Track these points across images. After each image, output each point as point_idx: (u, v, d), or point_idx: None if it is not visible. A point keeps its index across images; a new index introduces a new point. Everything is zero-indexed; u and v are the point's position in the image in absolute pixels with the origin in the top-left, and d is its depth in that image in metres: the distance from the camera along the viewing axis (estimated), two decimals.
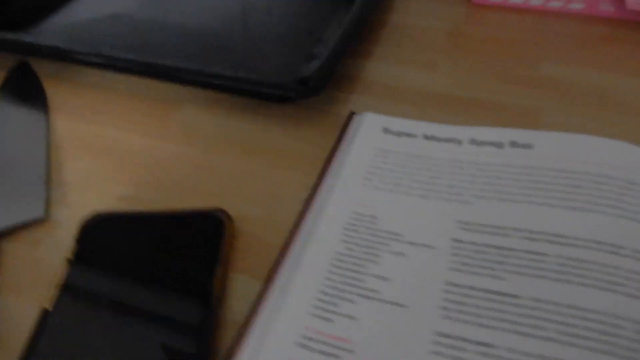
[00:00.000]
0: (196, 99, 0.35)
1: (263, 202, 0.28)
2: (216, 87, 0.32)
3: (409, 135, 0.30)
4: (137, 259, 0.24)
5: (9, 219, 0.28)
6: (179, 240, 0.25)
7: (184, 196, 0.29)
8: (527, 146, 0.27)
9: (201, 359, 0.21)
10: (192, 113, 0.34)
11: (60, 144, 0.33)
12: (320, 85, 0.31)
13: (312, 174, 0.29)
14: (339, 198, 0.26)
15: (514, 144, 0.28)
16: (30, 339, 0.22)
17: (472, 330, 0.20)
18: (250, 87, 0.31)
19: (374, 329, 0.21)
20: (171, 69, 0.32)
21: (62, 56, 0.35)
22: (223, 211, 0.26)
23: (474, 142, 0.28)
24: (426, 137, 0.29)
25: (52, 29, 0.42)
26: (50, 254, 0.27)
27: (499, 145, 0.28)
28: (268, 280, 0.23)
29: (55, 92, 0.37)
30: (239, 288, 0.24)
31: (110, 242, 0.25)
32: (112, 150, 0.32)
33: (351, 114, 0.33)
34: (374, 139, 0.30)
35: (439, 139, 0.29)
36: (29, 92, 0.36)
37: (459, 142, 0.29)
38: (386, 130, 0.30)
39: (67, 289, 0.23)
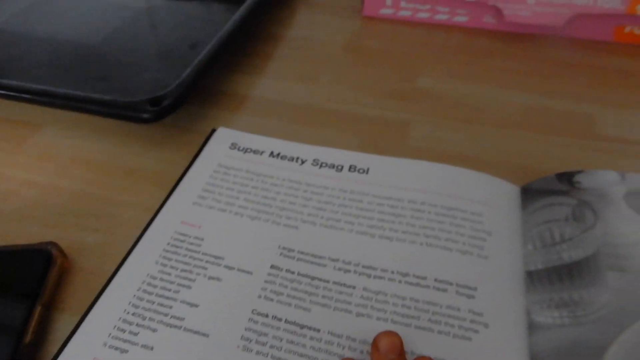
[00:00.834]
0: (58, 120, 0.34)
1: (108, 231, 0.27)
2: (69, 108, 0.30)
3: (255, 151, 0.29)
4: None
5: None
6: (1, 279, 0.23)
7: (24, 227, 0.27)
8: (364, 171, 0.27)
9: None
10: (51, 135, 0.33)
11: None
12: (176, 105, 0.30)
13: (164, 196, 0.28)
14: (166, 218, 0.25)
15: (352, 168, 0.28)
16: None
17: None
18: (103, 109, 0.30)
19: None
20: (18, 89, 0.30)
21: None
22: (55, 245, 0.25)
23: (316, 162, 0.28)
24: (272, 155, 0.29)
25: None
26: None
27: (338, 168, 0.28)
28: (84, 315, 0.22)
29: None
30: (62, 329, 0.23)
31: None
32: None
33: (212, 131, 0.32)
34: (218, 155, 0.29)
35: (283, 157, 0.28)
36: None
37: (302, 161, 0.28)
38: (233, 146, 0.30)
39: None
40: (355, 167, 0.28)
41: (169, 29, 0.42)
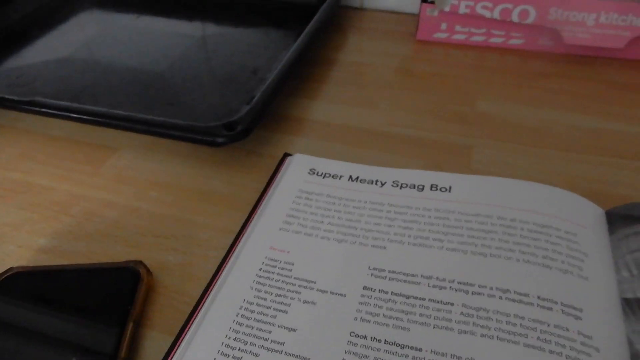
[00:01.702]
0: (134, 144, 0.35)
1: (188, 251, 0.28)
2: (147, 133, 0.32)
3: (334, 176, 0.30)
4: (46, 317, 0.24)
5: None
6: (91, 297, 0.24)
7: (108, 246, 0.28)
8: (446, 189, 0.27)
9: None
10: (128, 158, 0.34)
11: None
12: (249, 129, 0.31)
13: (240, 219, 0.29)
14: (255, 243, 0.26)
15: (434, 187, 0.28)
16: None
17: None
18: (179, 133, 0.31)
19: None
20: (100, 114, 0.32)
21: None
22: (141, 263, 0.26)
23: (396, 184, 0.28)
24: (351, 179, 0.29)
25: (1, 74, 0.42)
26: None
27: (419, 187, 0.28)
28: (178, 336, 0.23)
29: None
30: (152, 346, 0.24)
31: (21, 299, 0.24)
32: (40, 201, 0.31)
33: (285, 156, 0.33)
34: (298, 180, 0.30)
35: (362, 181, 0.29)
36: None
37: (382, 183, 0.29)
38: (312, 172, 0.30)
39: None
40: (437, 186, 0.28)
41: (229, 55, 0.43)
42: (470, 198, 0.27)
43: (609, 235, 0.24)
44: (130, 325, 0.23)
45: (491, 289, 0.22)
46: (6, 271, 0.26)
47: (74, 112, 0.33)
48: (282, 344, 0.21)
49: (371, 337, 0.21)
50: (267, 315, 0.23)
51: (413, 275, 0.23)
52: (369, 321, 0.22)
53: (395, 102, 0.38)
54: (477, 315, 0.21)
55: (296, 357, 0.21)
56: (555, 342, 0.20)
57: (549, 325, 0.21)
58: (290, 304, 0.23)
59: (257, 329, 0.22)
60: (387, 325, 0.21)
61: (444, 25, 0.44)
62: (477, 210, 0.26)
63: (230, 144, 0.32)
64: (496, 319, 0.21)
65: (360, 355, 0.21)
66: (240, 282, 0.24)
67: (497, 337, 0.20)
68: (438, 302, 0.22)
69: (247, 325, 0.22)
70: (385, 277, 0.23)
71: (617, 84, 0.38)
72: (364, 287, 0.23)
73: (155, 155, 0.34)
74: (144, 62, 0.43)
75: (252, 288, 0.24)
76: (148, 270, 0.26)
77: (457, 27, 0.43)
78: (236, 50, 0.44)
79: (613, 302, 0.21)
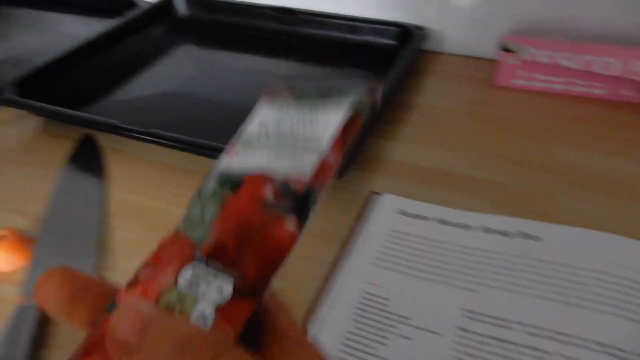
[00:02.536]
0: None
1: (284, 277, 0.30)
2: None
3: (423, 218, 0.32)
4: None
5: None
6: None
7: None
8: (535, 238, 0.29)
9: None
10: None
11: (113, 213, 0.37)
12: (344, 169, 0.34)
13: (332, 251, 0.32)
14: (352, 277, 0.28)
15: (522, 235, 0.29)
16: None
17: None
18: None
19: None
20: (205, 146, 0.36)
21: (118, 132, 0.40)
22: None
23: (484, 229, 0.30)
24: (439, 221, 0.31)
25: (112, 105, 0.47)
26: None
27: (508, 234, 0.30)
28: None
29: (113, 163, 0.42)
30: None
31: None
32: (157, 221, 0.35)
33: (372, 194, 0.35)
34: (389, 220, 0.32)
35: (450, 224, 0.31)
36: (92, 163, 0.41)
37: (468, 227, 0.30)
38: (402, 212, 0.33)
39: None
40: (525, 233, 0.29)
41: None
42: (563, 249, 0.28)
43: None
44: None
45: (586, 340, 0.23)
46: None
47: (184, 144, 0.37)
48: None
49: None
50: (368, 346, 0.25)
51: (506, 320, 0.25)
52: None
53: (473, 146, 0.40)
54: None
55: None
56: None
57: None
58: (389, 337, 0.25)
59: (359, 358, 0.24)
60: None
61: (523, 73, 0.45)
62: (570, 262, 0.27)
63: None
64: None
65: None
66: (341, 313, 0.26)
67: None
68: (533, 348, 0.23)
69: (351, 354, 0.24)
70: (480, 319, 0.25)
71: None
72: (459, 327, 0.25)
73: None
74: (238, 97, 0.47)
75: (352, 320, 0.26)
76: None
77: (538, 76, 0.45)
78: None
79: None
